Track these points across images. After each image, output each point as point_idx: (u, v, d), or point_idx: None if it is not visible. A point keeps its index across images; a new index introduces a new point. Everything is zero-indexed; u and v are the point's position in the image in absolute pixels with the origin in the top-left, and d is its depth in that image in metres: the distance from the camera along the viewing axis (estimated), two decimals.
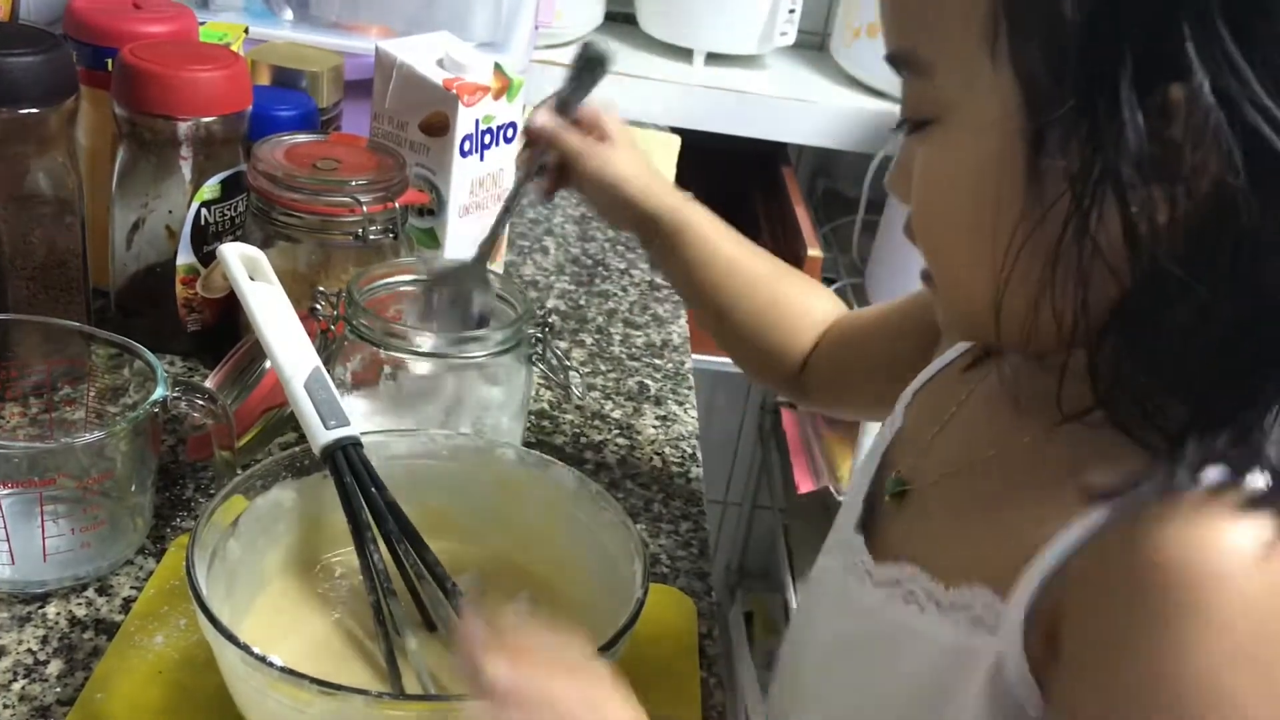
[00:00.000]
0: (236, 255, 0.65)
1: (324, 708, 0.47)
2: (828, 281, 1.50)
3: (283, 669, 0.47)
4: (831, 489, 1.45)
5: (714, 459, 1.91)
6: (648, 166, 0.77)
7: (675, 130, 1.42)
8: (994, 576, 0.45)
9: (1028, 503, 0.46)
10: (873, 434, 1.33)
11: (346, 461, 0.58)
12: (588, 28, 1.51)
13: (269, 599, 0.58)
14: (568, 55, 1.44)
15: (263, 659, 0.47)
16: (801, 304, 0.75)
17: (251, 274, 0.65)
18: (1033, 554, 0.43)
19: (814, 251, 1.35)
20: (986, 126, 0.43)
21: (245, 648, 0.47)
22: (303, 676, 0.46)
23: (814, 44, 1.60)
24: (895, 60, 0.47)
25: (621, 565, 0.56)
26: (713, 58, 1.50)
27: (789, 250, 1.42)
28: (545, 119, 0.75)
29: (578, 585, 0.60)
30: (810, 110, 1.48)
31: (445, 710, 0.48)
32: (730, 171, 1.58)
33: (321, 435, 0.59)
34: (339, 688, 0.46)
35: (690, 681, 0.62)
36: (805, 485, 1.45)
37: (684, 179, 1.32)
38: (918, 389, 0.60)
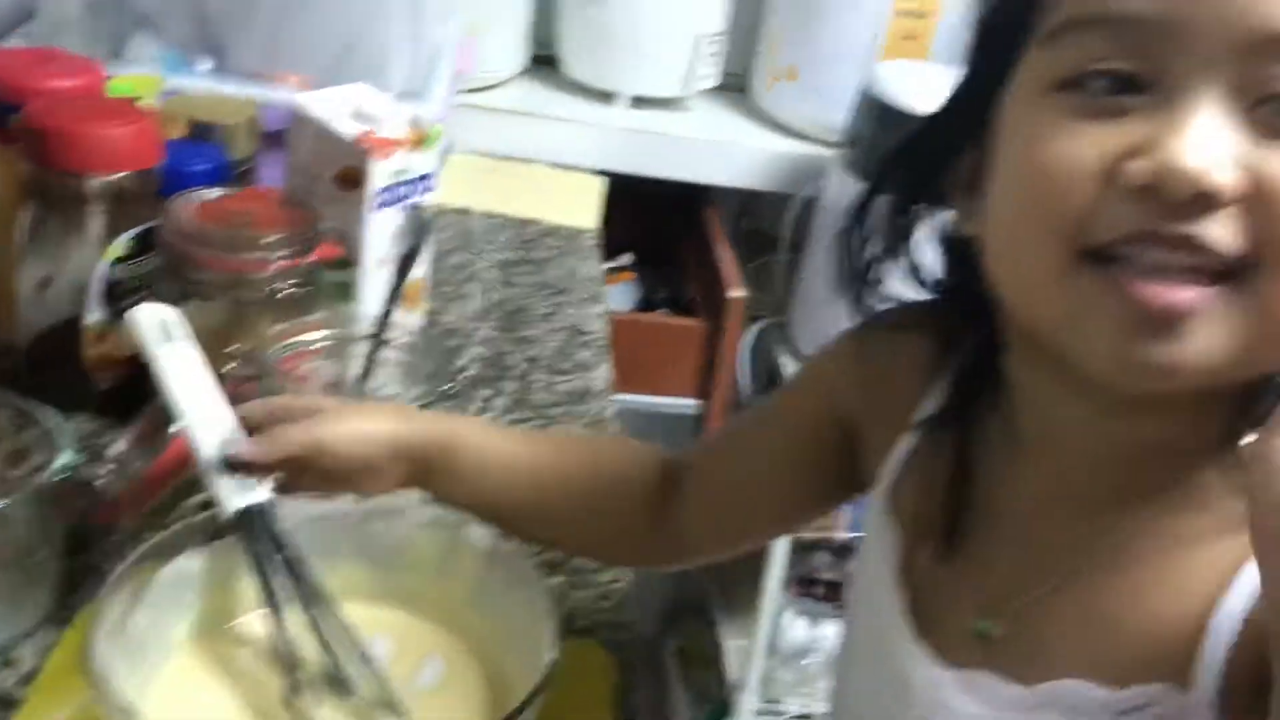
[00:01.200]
0: (149, 318, 0.64)
1: None
2: (752, 320, 1.52)
3: None
4: None
5: None
6: (381, 410, 0.67)
7: (600, 173, 1.43)
8: (1163, 666, 0.45)
9: (1165, 584, 0.46)
10: None
11: (258, 526, 0.58)
12: (512, 71, 1.52)
13: (177, 669, 0.57)
14: (493, 99, 1.46)
15: None
16: (630, 469, 0.67)
17: (166, 335, 0.64)
18: (1201, 629, 0.44)
19: (735, 293, 1.36)
20: None
21: None
22: None
23: (736, 86, 1.62)
24: None
25: (534, 627, 0.56)
26: (636, 100, 1.51)
27: (713, 291, 1.44)
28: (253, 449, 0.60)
29: (490, 647, 0.60)
30: (732, 152, 1.50)
31: None
32: (655, 214, 1.59)
33: (232, 500, 0.58)
34: None
35: None
36: None
37: (609, 221, 1.33)
38: (893, 489, 0.57)
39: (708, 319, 1.45)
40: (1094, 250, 0.42)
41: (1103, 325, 0.42)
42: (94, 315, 0.79)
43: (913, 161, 0.55)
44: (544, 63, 1.55)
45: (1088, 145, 0.42)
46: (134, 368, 0.82)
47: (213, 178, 0.86)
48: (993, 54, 0.48)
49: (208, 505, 0.59)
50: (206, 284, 0.77)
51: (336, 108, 0.83)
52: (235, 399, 0.73)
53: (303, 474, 0.59)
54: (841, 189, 1.37)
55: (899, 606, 0.54)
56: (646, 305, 1.56)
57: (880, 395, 0.59)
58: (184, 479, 0.70)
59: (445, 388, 0.71)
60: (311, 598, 0.57)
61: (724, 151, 1.50)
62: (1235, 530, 0.44)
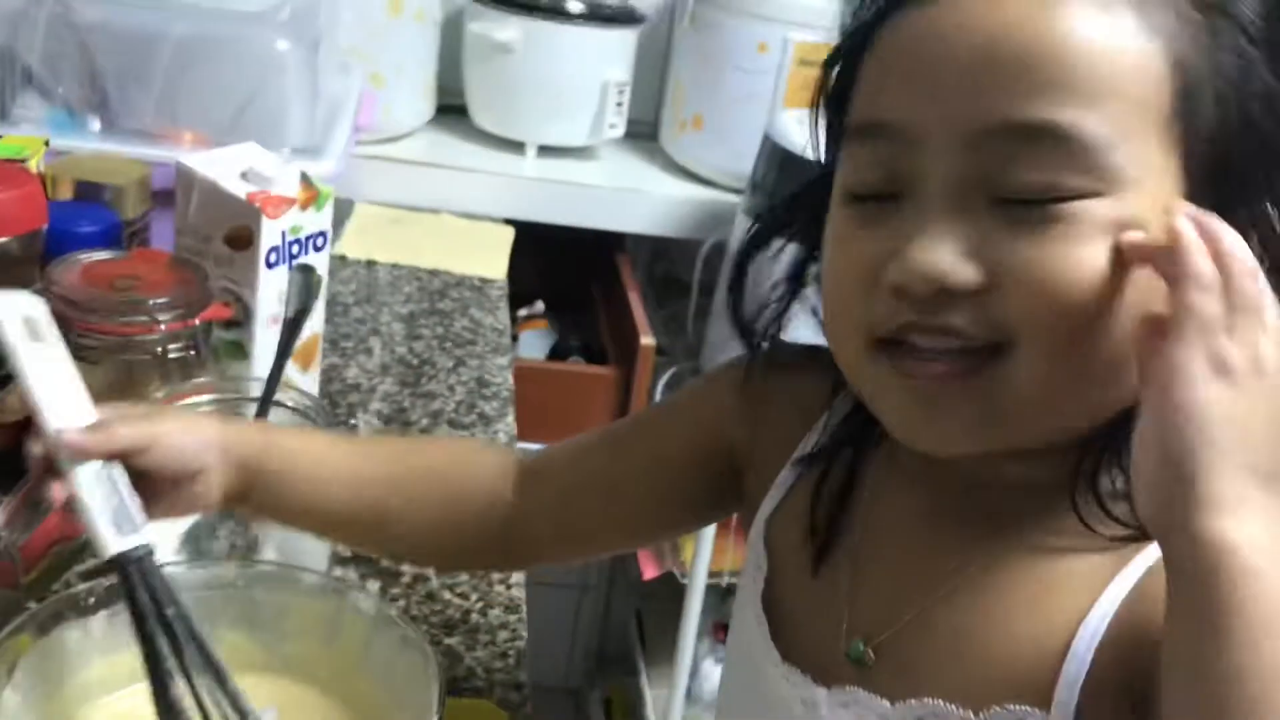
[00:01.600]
0: (10, 311, 0.57)
1: None
2: (666, 366, 1.53)
3: None
4: (676, 572, 1.46)
5: None
6: (209, 415, 0.65)
7: (510, 222, 1.44)
8: (1025, 688, 0.47)
9: (1029, 608, 0.48)
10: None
11: (136, 576, 0.55)
12: (419, 121, 1.52)
13: None
14: (400, 150, 1.46)
15: None
16: (462, 470, 0.65)
17: (31, 333, 0.58)
18: (1063, 651, 0.46)
19: (646, 340, 1.37)
20: (1148, 207, 0.44)
21: None
22: None
23: (645, 133, 1.64)
24: (1031, 132, 0.43)
25: (420, 691, 0.56)
26: (545, 150, 1.52)
27: (625, 338, 1.45)
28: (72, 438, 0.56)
29: (377, 714, 0.59)
30: (642, 199, 1.51)
31: None
32: (566, 261, 1.60)
33: (111, 543, 0.54)
34: None
35: None
36: (650, 571, 1.46)
37: (520, 269, 1.34)
38: (768, 521, 0.58)
39: (620, 366, 1.46)
40: (883, 339, 0.47)
41: (891, 402, 0.48)
42: None
43: (800, 211, 0.58)
44: (452, 111, 1.56)
45: (858, 254, 0.48)
46: (17, 435, 0.80)
47: (101, 239, 0.85)
48: (829, 148, 0.54)
49: (90, 575, 0.58)
50: (92, 349, 0.76)
51: (226, 167, 0.83)
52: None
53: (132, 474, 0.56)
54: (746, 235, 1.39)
55: (765, 630, 0.56)
56: (559, 353, 1.56)
57: (765, 428, 0.60)
58: (67, 548, 0.69)
59: None
60: (197, 661, 0.54)
61: (633, 199, 1.51)
62: (1096, 559, 0.48)
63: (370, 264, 1.26)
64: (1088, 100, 0.43)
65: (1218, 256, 0.42)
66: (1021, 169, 0.44)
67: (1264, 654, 0.38)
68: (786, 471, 0.59)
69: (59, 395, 0.57)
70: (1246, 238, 0.43)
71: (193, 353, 0.78)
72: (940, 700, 0.48)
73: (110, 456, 0.55)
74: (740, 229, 1.40)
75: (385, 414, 0.98)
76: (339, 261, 1.26)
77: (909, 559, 0.53)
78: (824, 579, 0.55)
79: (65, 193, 0.88)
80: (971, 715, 0.48)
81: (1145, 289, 0.44)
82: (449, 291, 1.23)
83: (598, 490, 0.64)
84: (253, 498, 0.60)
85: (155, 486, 0.57)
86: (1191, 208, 0.43)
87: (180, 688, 0.54)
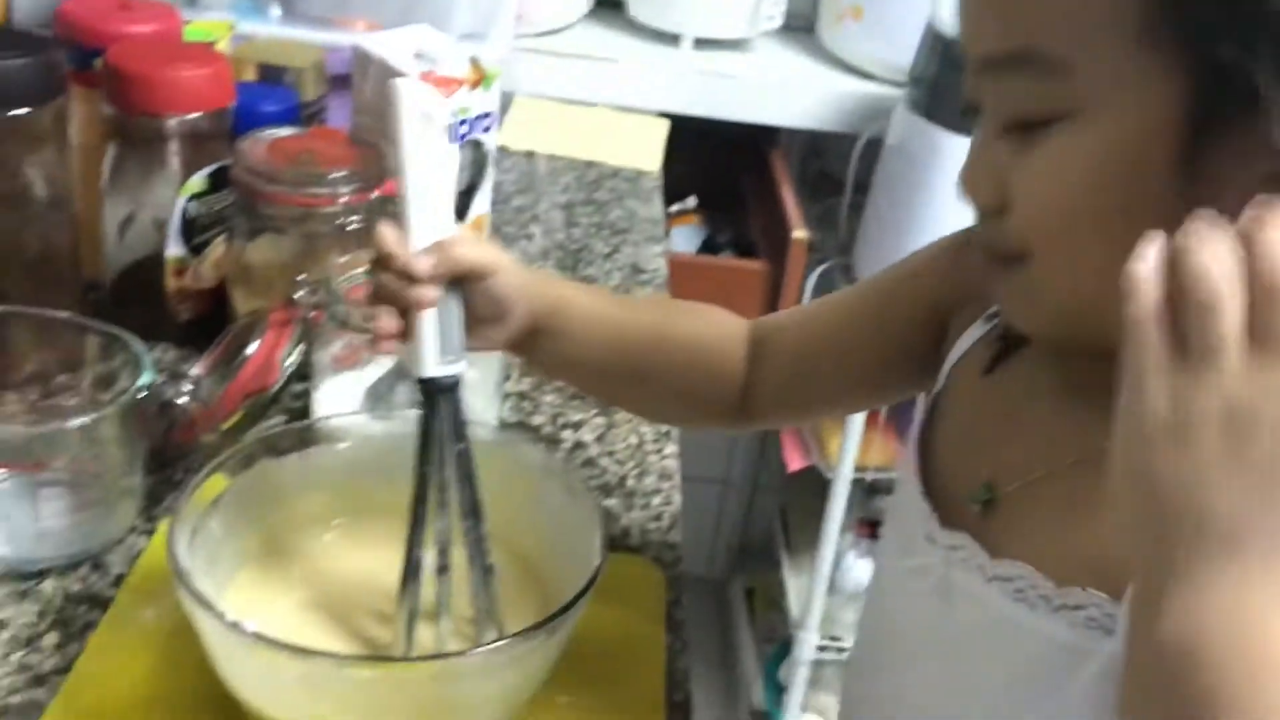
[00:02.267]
0: (411, 96, 0.54)
1: (296, 671, 0.50)
2: (817, 262, 1.53)
3: (256, 635, 0.50)
4: (821, 466, 1.48)
5: (716, 439, 1.94)
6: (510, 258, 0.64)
7: (663, 115, 1.45)
8: (1107, 581, 0.47)
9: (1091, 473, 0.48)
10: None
11: (446, 403, 0.57)
12: (576, 15, 1.53)
13: (249, 574, 0.62)
14: (557, 43, 1.48)
15: (236, 625, 0.50)
16: (712, 332, 0.68)
17: (426, 121, 0.55)
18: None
19: (799, 233, 1.37)
20: (1132, 119, 0.43)
21: (221, 615, 0.50)
22: (274, 641, 0.49)
23: (802, 25, 1.62)
24: (1003, 62, 0.46)
25: (583, 538, 0.59)
26: (700, 42, 1.52)
27: (776, 233, 1.45)
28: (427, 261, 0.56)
29: (543, 556, 0.63)
30: (797, 92, 1.50)
31: (411, 671, 0.52)
32: (719, 157, 1.60)
33: (431, 364, 0.56)
34: (309, 651, 0.49)
35: (655, 645, 0.65)
36: (795, 463, 1.48)
37: (673, 164, 1.35)
38: (951, 369, 0.60)
39: (771, 261, 1.47)
40: None
41: None
42: (173, 250, 0.83)
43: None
44: (609, 5, 1.56)
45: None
46: (212, 299, 0.87)
47: (282, 118, 0.89)
48: None
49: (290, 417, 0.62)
50: (277, 219, 0.81)
51: (399, 49, 0.86)
52: (306, 327, 0.77)
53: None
54: (906, 129, 1.37)
55: (913, 468, 0.58)
56: (710, 248, 1.57)
57: (971, 286, 0.61)
58: (259, 399, 0.75)
59: None
60: (466, 501, 0.57)
61: (789, 92, 1.50)
62: None
63: (530, 155, 1.29)
64: (1047, 20, 0.44)
65: (1178, 291, 0.37)
66: (1004, 97, 0.47)
67: None
68: (979, 322, 0.60)
69: (427, 206, 0.56)
70: (1259, 155, 0.41)
71: (370, 225, 0.82)
72: (1031, 568, 0.50)
73: (456, 279, 0.57)
74: (902, 124, 1.38)
75: None
76: (500, 152, 1.29)
77: (1052, 422, 0.54)
78: (980, 425, 0.57)
79: (249, 75, 0.93)
80: (1052, 587, 0.49)
81: (1140, 203, 0.44)
82: (604, 182, 1.25)
83: (828, 355, 0.66)
84: (532, 347, 0.63)
85: (473, 307, 0.59)
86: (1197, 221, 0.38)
87: (436, 520, 0.57)
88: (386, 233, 0.56)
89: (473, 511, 0.57)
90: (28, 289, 0.79)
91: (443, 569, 0.57)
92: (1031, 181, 0.47)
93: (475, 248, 0.58)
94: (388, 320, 0.57)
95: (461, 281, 0.57)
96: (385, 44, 0.86)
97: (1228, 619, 0.36)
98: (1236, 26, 0.41)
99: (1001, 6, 0.45)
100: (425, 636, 0.57)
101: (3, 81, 0.73)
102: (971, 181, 0.50)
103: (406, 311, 0.56)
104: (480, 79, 0.87)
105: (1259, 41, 0.41)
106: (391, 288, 0.56)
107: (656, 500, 0.78)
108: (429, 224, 0.56)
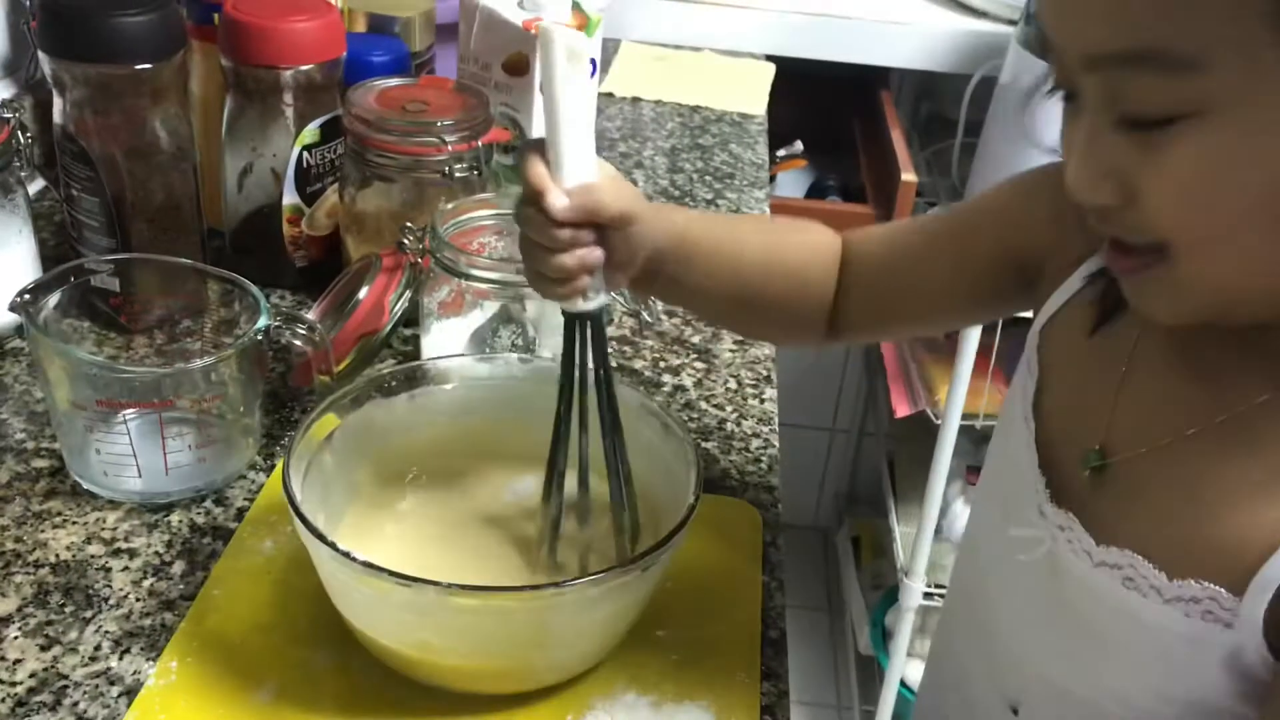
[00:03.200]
0: (561, 40, 0.55)
1: (402, 598, 0.53)
2: (927, 206, 1.50)
3: (365, 563, 0.52)
4: (929, 412, 1.46)
5: (823, 387, 1.93)
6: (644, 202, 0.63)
7: (771, 59, 1.43)
8: (1224, 572, 0.47)
9: (1250, 490, 0.47)
10: (970, 355, 1.34)
11: (589, 333, 0.59)
12: None
13: (360, 507, 0.64)
14: None
15: (347, 554, 0.53)
16: (810, 252, 0.69)
17: (572, 62, 0.55)
18: (1268, 552, 0.45)
19: (908, 176, 1.35)
20: (1274, 109, 0.42)
21: (332, 545, 0.53)
22: (382, 569, 0.52)
23: None
24: (1117, 61, 0.44)
25: (679, 474, 0.60)
26: None
27: (885, 176, 1.43)
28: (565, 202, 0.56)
29: (642, 493, 0.64)
30: (908, 31, 1.47)
31: (511, 600, 0.53)
32: (826, 100, 1.58)
33: (577, 302, 0.59)
34: (414, 579, 0.52)
35: (752, 584, 0.66)
36: (902, 409, 1.47)
37: (780, 108, 1.34)
38: (1042, 330, 0.60)
39: (879, 206, 1.44)
40: None
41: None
42: (289, 199, 0.86)
43: None
44: None
45: (1065, 150, 0.49)
46: (327, 245, 0.90)
47: (393, 68, 0.92)
48: None
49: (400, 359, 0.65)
50: (387, 167, 0.83)
51: None
52: (414, 273, 0.79)
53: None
54: (1020, 67, 1.33)
55: (1031, 431, 0.57)
56: (817, 192, 1.55)
57: (1064, 234, 0.60)
58: (371, 342, 0.77)
59: None
60: (610, 420, 0.60)
61: (899, 31, 1.47)
62: None
63: (635, 101, 1.30)
64: (1173, 21, 0.42)
65: None
66: (1129, 92, 0.44)
67: None
68: (1075, 279, 0.59)
69: (574, 146, 0.56)
70: None
71: (476, 173, 0.84)
72: (1140, 557, 0.49)
73: (600, 223, 0.57)
74: (1015, 62, 1.34)
75: None
76: (606, 98, 1.30)
77: (1167, 390, 0.52)
78: (1089, 390, 0.55)
79: (359, 26, 0.95)
80: (1165, 579, 0.48)
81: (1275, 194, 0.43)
82: (709, 127, 1.25)
83: (910, 279, 0.67)
84: (651, 281, 0.64)
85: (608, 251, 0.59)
86: None
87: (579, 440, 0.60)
88: (537, 170, 0.56)
89: (614, 428, 0.60)
90: (154, 237, 0.83)
91: (583, 483, 0.61)
92: (1169, 182, 0.45)
93: (619, 195, 0.58)
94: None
95: (602, 226, 0.58)
96: None
97: None
98: None
99: (1110, 6, 0.43)
100: (566, 547, 0.61)
101: (126, 38, 0.76)
102: (1088, 183, 0.47)
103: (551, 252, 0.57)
104: (583, 24, 0.88)
105: None
106: (537, 224, 0.57)
107: (756, 444, 0.78)
108: (576, 164, 0.56)
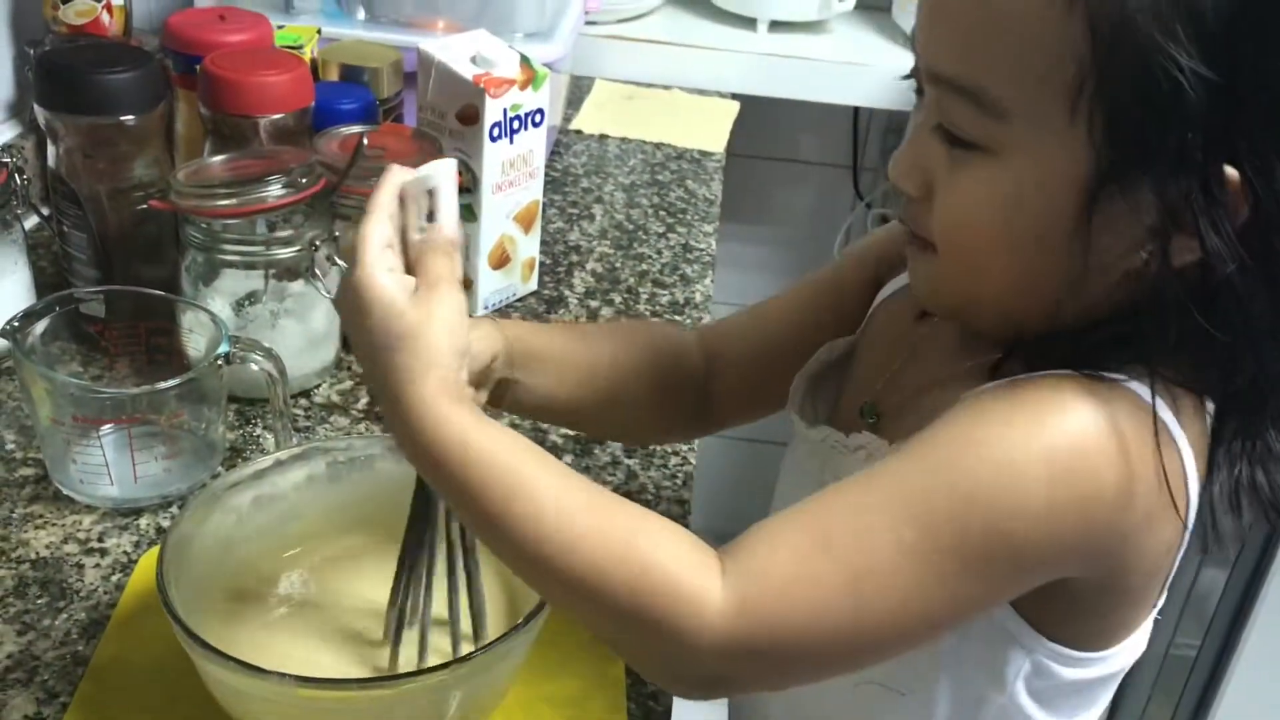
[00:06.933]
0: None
1: (253, 687, 0.56)
2: None
3: (217, 651, 0.55)
4: None
5: None
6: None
7: (739, 97, 1.51)
8: None
9: (954, 389, 0.57)
10: None
11: None
12: (658, 1, 1.61)
13: (246, 586, 0.67)
14: (638, 29, 1.56)
15: (216, 652, 0.56)
16: (670, 347, 0.73)
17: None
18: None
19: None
20: (1048, 170, 0.50)
21: (191, 632, 0.56)
22: (228, 658, 0.55)
23: (878, 5, 1.66)
24: (948, 84, 0.51)
25: None
26: (776, 25, 1.58)
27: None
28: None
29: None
30: (872, 73, 1.55)
31: (365, 692, 0.57)
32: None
33: None
34: (254, 669, 0.55)
35: None
36: None
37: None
38: (873, 310, 0.70)
39: None
40: None
41: None
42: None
43: None
44: None
45: None
46: None
47: (360, 115, 1.00)
48: None
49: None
50: (349, 207, 0.91)
51: (458, 52, 0.95)
52: None
53: None
54: None
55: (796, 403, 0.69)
56: None
57: (900, 260, 0.68)
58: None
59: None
60: (468, 545, 0.62)
61: (864, 73, 1.55)
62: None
63: (603, 138, 1.38)
64: (997, 67, 0.50)
65: None
66: (952, 112, 0.52)
67: None
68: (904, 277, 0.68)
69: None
70: (1152, 208, 0.49)
71: None
72: (876, 437, 0.61)
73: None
74: None
75: (598, 273, 1.10)
76: (575, 135, 1.38)
77: (915, 372, 0.63)
78: (887, 356, 0.66)
79: (333, 74, 1.04)
80: (888, 445, 0.60)
81: (1042, 235, 0.51)
82: (669, 164, 1.33)
83: (789, 352, 0.72)
84: (502, 396, 0.66)
85: None
86: None
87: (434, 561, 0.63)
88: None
89: (471, 548, 0.62)
90: (139, 268, 0.92)
91: (429, 581, 0.62)
92: (952, 197, 0.54)
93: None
94: None
95: None
96: (446, 48, 0.96)
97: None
98: (1146, 113, 0.48)
99: (963, 39, 0.51)
100: (412, 644, 0.63)
101: (112, 93, 0.85)
102: (904, 169, 0.56)
103: None
104: (530, 78, 0.96)
105: (1167, 126, 0.48)
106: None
107: (674, 461, 0.86)
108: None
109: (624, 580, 0.48)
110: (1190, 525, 0.54)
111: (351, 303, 0.53)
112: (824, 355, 0.70)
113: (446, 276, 0.54)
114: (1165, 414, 0.51)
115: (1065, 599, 0.54)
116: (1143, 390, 0.51)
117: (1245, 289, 0.49)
